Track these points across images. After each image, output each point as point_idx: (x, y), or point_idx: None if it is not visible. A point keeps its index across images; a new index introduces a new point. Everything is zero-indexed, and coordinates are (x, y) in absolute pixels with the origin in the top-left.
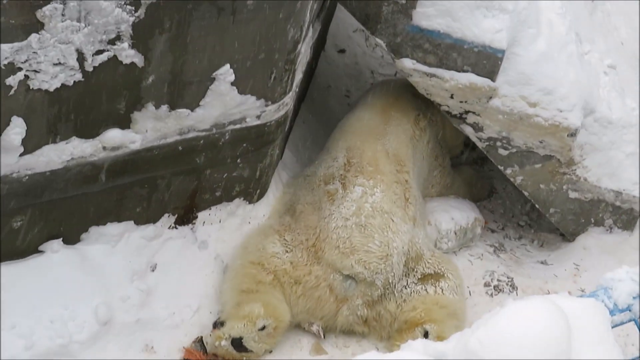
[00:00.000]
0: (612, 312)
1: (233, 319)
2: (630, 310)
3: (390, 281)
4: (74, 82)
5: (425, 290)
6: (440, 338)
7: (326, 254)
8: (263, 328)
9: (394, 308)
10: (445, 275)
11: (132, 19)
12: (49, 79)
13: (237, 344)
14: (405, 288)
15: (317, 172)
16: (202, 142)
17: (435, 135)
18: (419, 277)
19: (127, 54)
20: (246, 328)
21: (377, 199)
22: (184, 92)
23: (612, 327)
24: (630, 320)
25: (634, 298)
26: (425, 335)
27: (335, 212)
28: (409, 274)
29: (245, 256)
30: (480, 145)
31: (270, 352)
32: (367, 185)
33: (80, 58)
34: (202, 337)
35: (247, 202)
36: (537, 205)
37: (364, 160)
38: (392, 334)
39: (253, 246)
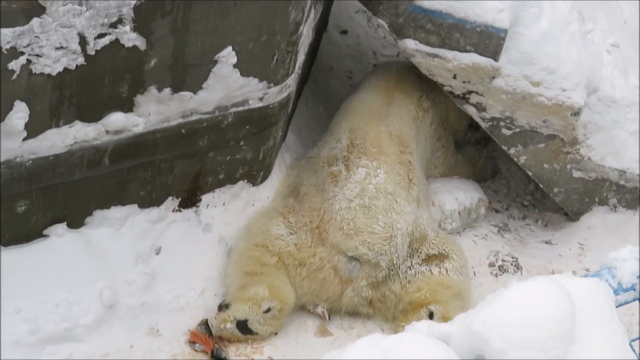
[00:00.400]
0: (616, 292)
1: (238, 302)
2: (634, 290)
3: (394, 262)
4: (76, 65)
5: (430, 271)
6: (445, 319)
7: (330, 235)
8: (268, 310)
9: (398, 289)
10: (450, 255)
11: (133, 2)
12: (51, 63)
13: (242, 326)
14: (410, 269)
15: (320, 154)
16: (205, 124)
17: (438, 116)
18: (424, 257)
19: (129, 37)
20: (251, 310)
21: (381, 180)
22: (186, 75)
23: (617, 307)
24: (634, 300)
25: (638, 277)
26: (430, 316)
27: (338, 193)
28: (413, 255)
29: (249, 239)
30: (483, 125)
31: (276, 334)
32: (371, 167)
33: (82, 42)
34: (207, 320)
35: (251, 185)
36: (541, 185)
37: (367, 142)
38: (397, 315)
39: (257, 229)
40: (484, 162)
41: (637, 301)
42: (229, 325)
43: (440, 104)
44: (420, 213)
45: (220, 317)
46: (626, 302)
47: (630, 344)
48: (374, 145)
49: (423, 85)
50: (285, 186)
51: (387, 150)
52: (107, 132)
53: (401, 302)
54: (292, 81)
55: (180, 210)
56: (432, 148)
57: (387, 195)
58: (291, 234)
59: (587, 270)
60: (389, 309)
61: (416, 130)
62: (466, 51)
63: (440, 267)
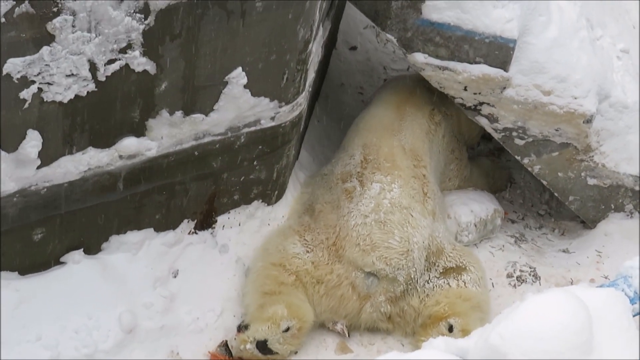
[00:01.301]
0: (632, 301)
1: (257, 322)
2: None
3: (412, 276)
4: (88, 92)
5: (448, 284)
6: (464, 331)
7: (347, 252)
8: (287, 329)
9: (417, 303)
10: (467, 268)
11: (142, 26)
12: (63, 91)
13: (262, 346)
14: (428, 283)
15: (334, 171)
16: (217, 146)
17: (450, 128)
18: (441, 271)
19: (139, 62)
20: (270, 330)
21: (395, 194)
22: (197, 97)
23: (633, 316)
24: None
25: None
26: (450, 329)
27: (354, 209)
28: (430, 269)
29: (266, 258)
30: (496, 136)
31: (296, 353)
32: (385, 182)
33: (93, 68)
34: (226, 341)
35: (266, 204)
36: (556, 194)
37: (381, 157)
38: (417, 329)
39: (274, 247)
40: (498, 173)
41: None
42: (248, 345)
43: (451, 116)
44: (436, 226)
45: (240, 338)
46: None
47: None
48: (388, 160)
49: (434, 98)
50: (300, 204)
51: (401, 164)
52: (120, 157)
53: (420, 316)
54: (303, 99)
55: (196, 232)
56: (446, 160)
57: (402, 209)
58: (308, 252)
59: (606, 277)
60: (408, 323)
61: (429, 143)
62: (476, 62)
63: (458, 280)
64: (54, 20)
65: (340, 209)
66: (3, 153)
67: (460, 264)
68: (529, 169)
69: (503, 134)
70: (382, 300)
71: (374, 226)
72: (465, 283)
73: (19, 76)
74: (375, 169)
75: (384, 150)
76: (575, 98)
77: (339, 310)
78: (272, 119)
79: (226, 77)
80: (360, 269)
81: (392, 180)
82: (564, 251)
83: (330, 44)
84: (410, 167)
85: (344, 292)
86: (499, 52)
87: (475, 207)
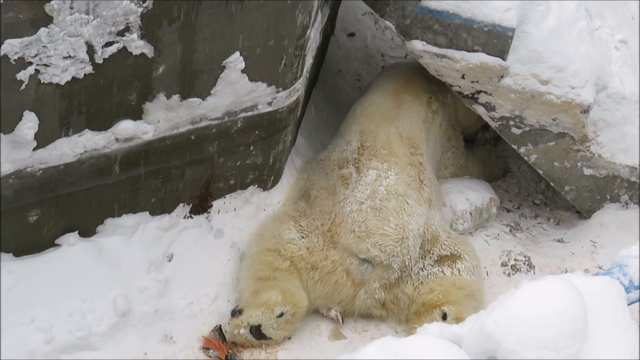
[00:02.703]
0: (627, 289)
1: (251, 307)
2: None
3: (406, 264)
4: (85, 74)
5: (442, 272)
6: (458, 319)
7: (342, 238)
8: (281, 315)
9: (411, 291)
10: (462, 256)
11: (140, 9)
12: (60, 73)
13: (256, 331)
14: (422, 270)
15: (330, 157)
16: (214, 130)
17: (447, 117)
18: (436, 259)
19: (137, 45)
20: (264, 315)
21: (392, 181)
22: (194, 81)
23: (628, 304)
24: None
25: None
26: (444, 317)
27: (349, 196)
28: (425, 256)
29: (261, 243)
30: (493, 124)
31: (289, 338)
32: (381, 169)
33: (90, 50)
34: (220, 326)
35: (262, 190)
36: (552, 184)
37: (378, 144)
38: (410, 316)
39: (269, 233)
40: (494, 162)
41: None
42: (242, 330)
43: (449, 104)
44: (432, 214)
45: (234, 323)
46: (638, 300)
47: None
48: (385, 147)
49: (431, 86)
50: (296, 190)
51: (398, 151)
52: (116, 140)
53: (414, 303)
54: (300, 85)
55: (191, 217)
56: (442, 149)
57: (398, 197)
58: (303, 237)
59: (600, 268)
60: (402, 310)
61: (426, 132)
62: (474, 51)
63: (452, 268)
64: (52, 2)
65: (335, 196)
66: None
67: (455, 252)
68: (526, 158)
69: (500, 122)
70: (376, 287)
71: (369, 213)
72: (459, 271)
73: (16, 57)
74: (371, 156)
75: (381, 137)
76: (573, 88)
77: (333, 297)
78: (269, 104)
79: (224, 62)
80: (355, 255)
81: (389, 167)
82: (558, 241)
83: (328, 30)
84: (407, 154)
85: (338, 279)
86: (497, 40)
87: (471, 196)
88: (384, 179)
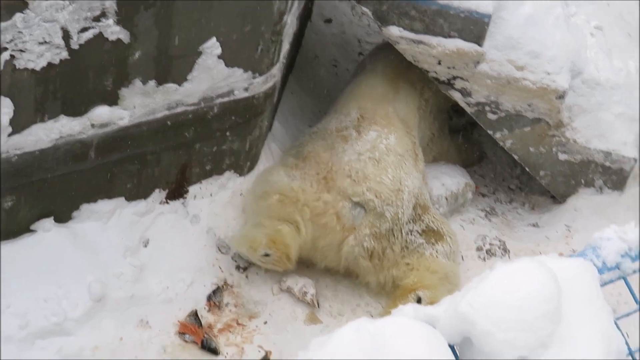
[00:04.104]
0: (600, 271)
1: (238, 240)
2: (618, 269)
3: (399, 217)
4: (60, 60)
5: (424, 249)
6: (433, 303)
7: (337, 182)
8: (266, 255)
9: (398, 249)
10: (444, 238)
11: None
12: (35, 58)
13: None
14: (410, 234)
15: (327, 127)
16: (190, 116)
17: (437, 104)
18: (424, 228)
19: (113, 31)
20: (248, 253)
21: (392, 142)
22: (171, 66)
23: (602, 286)
24: (619, 278)
25: (622, 256)
26: (418, 301)
27: (349, 149)
28: (415, 221)
29: (252, 195)
30: (469, 110)
31: (265, 323)
32: (382, 132)
33: (66, 36)
34: (196, 311)
35: (238, 175)
36: (527, 169)
37: (377, 116)
38: (389, 279)
39: (259, 185)
40: (469, 148)
41: (623, 280)
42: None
43: (438, 92)
44: (425, 188)
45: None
46: (611, 281)
47: (615, 322)
48: (384, 119)
49: (425, 75)
50: (285, 154)
51: (397, 124)
52: (92, 125)
53: (396, 267)
54: (277, 71)
55: (167, 202)
56: (430, 136)
57: (397, 155)
58: (294, 180)
59: (575, 252)
60: (383, 269)
61: (419, 119)
62: (450, 37)
63: (432, 249)
64: None
65: (334, 149)
66: None
67: (441, 231)
68: (501, 143)
69: (476, 108)
70: (366, 234)
71: (367, 162)
72: (437, 253)
73: None
74: (372, 123)
75: (380, 112)
76: (549, 74)
77: (319, 240)
78: (246, 89)
79: (200, 47)
80: (349, 199)
81: (389, 132)
82: (533, 225)
83: (305, 17)
84: (404, 129)
85: (328, 221)
86: (473, 27)
87: (446, 181)
88: (384, 139)
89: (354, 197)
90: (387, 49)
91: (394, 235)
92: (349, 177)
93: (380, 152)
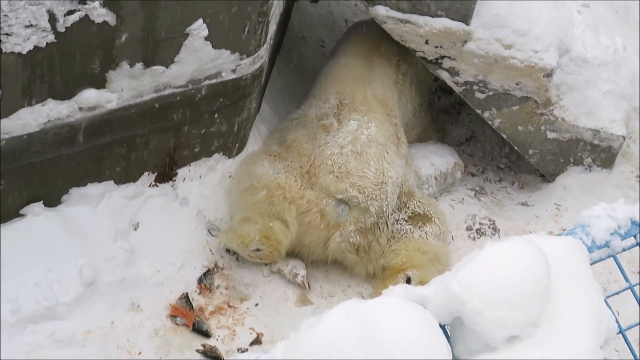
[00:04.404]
0: (590, 249)
1: (229, 235)
2: (608, 247)
3: (384, 209)
4: (47, 43)
5: (412, 232)
6: (422, 283)
7: (320, 179)
8: (257, 250)
9: (384, 241)
10: (433, 219)
11: None
12: (21, 42)
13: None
14: (397, 223)
15: (307, 114)
16: (178, 98)
17: (416, 78)
18: (410, 214)
19: (99, 13)
20: (239, 248)
21: (372, 132)
22: (157, 49)
23: (591, 264)
24: (608, 257)
25: (611, 234)
26: (408, 281)
27: (330, 141)
28: (401, 209)
29: (237, 187)
30: (457, 89)
31: (257, 305)
32: (362, 121)
33: (52, 19)
34: (187, 294)
35: (227, 157)
36: (515, 147)
37: (356, 102)
38: (378, 269)
39: (243, 176)
40: (437, 121)
41: (612, 258)
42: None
43: (416, 64)
44: (408, 172)
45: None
46: (600, 259)
47: (605, 300)
48: (363, 104)
49: (400, 48)
50: (267, 142)
51: (376, 109)
52: (80, 109)
53: (384, 256)
54: (264, 52)
55: (156, 185)
56: (412, 110)
57: (379, 145)
58: (277, 173)
59: (564, 230)
60: (371, 260)
61: (398, 94)
62: (437, 16)
63: (421, 231)
64: None
65: (316, 141)
66: None
67: (428, 213)
68: (490, 122)
69: (464, 87)
70: (351, 230)
71: (350, 156)
72: (427, 234)
73: None
74: (352, 111)
75: (358, 97)
76: (536, 52)
77: (305, 238)
78: (233, 71)
79: (187, 29)
80: (332, 196)
81: (369, 120)
82: (523, 204)
83: None
84: (384, 114)
85: (312, 219)
86: (460, 5)
87: (435, 161)
88: (365, 129)
89: (338, 194)
90: (360, 26)
91: (379, 229)
92: (331, 172)
93: (362, 144)
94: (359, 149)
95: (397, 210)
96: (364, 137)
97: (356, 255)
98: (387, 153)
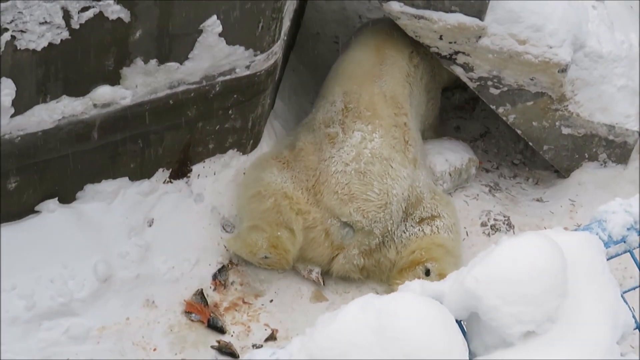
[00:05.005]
0: (606, 245)
1: (239, 243)
2: (624, 242)
3: (388, 229)
4: (61, 40)
5: (423, 231)
6: (441, 276)
7: (325, 198)
8: (266, 257)
9: (393, 255)
10: (441, 215)
11: None
12: (36, 39)
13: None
14: (405, 232)
15: (316, 117)
16: (192, 95)
17: (428, 70)
18: (417, 220)
19: (113, 10)
20: (248, 256)
21: (376, 144)
22: (172, 45)
23: (608, 259)
24: (625, 252)
25: (628, 229)
26: (427, 273)
27: (335, 155)
28: (407, 219)
29: (245, 193)
30: (471, 85)
31: (271, 301)
32: (366, 131)
33: (66, 16)
34: (202, 290)
35: (241, 153)
36: (530, 143)
37: (361, 105)
38: (393, 275)
39: (251, 181)
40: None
41: (629, 253)
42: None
43: (429, 56)
44: (417, 175)
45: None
46: (617, 255)
47: (622, 296)
48: (369, 109)
49: (412, 40)
50: (280, 145)
51: (382, 113)
52: (94, 105)
53: (395, 266)
54: (278, 48)
55: (171, 182)
56: (426, 102)
57: (383, 160)
58: (285, 182)
59: (579, 226)
60: (383, 272)
61: (409, 87)
62: (451, 11)
63: (431, 226)
64: None
65: (322, 152)
66: None
67: (435, 213)
68: (504, 118)
69: (478, 83)
70: (355, 254)
71: (353, 176)
72: (438, 229)
73: None
74: (356, 118)
75: (364, 98)
76: (551, 47)
77: (308, 252)
78: (247, 67)
79: (201, 26)
80: (337, 217)
81: (373, 129)
82: (537, 200)
83: None
84: (392, 115)
85: (316, 236)
86: (474, 1)
87: (450, 156)
88: (368, 142)
89: (342, 217)
90: (372, 24)
91: (385, 246)
92: (335, 193)
93: (366, 162)
94: (362, 167)
95: (403, 221)
96: (367, 153)
97: (361, 274)
98: (392, 167)
